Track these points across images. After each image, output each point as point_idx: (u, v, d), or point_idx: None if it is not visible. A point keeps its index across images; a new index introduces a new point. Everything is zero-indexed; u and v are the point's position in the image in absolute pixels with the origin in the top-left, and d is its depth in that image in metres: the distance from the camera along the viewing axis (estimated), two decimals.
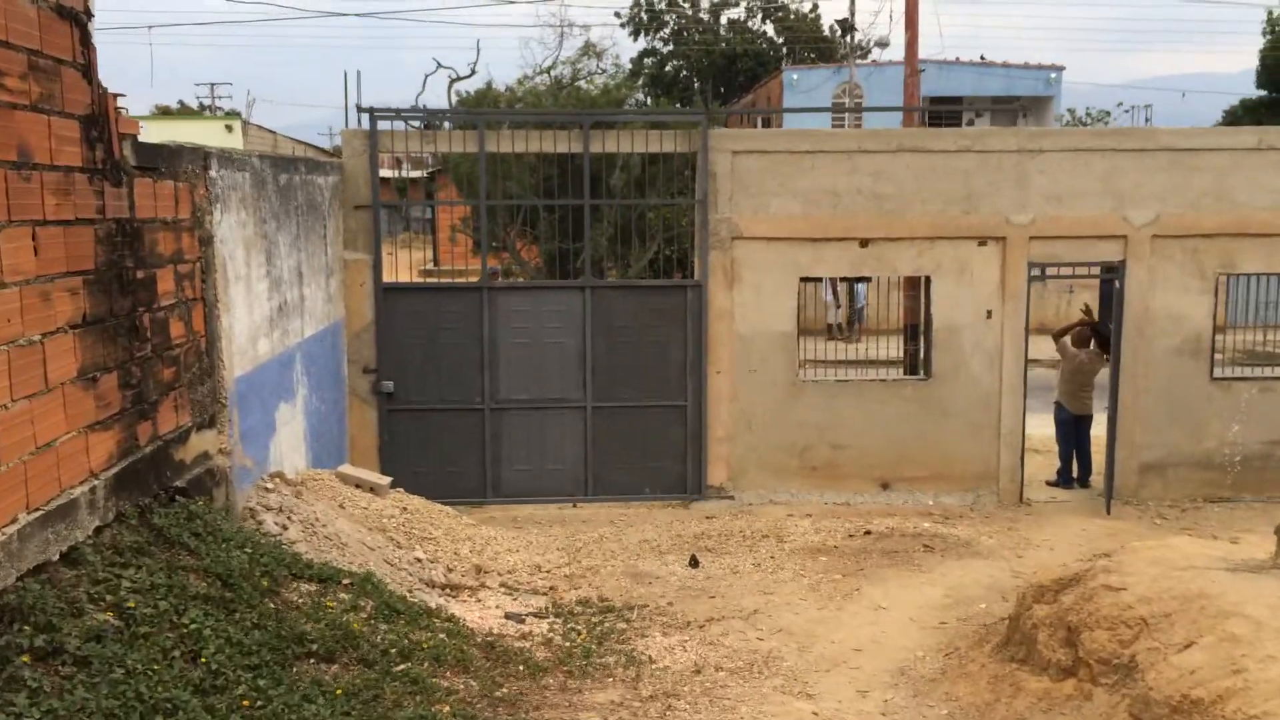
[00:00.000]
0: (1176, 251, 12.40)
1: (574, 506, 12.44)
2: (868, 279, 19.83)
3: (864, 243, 12.29)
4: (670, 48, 43.11)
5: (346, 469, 10.50)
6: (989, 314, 12.42)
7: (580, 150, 12.21)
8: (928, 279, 12.53)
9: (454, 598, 8.68)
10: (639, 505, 12.46)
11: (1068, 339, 13.18)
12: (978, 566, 10.00)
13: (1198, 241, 12.38)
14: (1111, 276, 12.49)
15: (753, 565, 10.11)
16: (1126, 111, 36.46)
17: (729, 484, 12.59)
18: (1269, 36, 46.91)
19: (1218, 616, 5.51)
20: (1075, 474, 13.34)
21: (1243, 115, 35.98)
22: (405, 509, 10.09)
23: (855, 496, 12.59)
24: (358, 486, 10.08)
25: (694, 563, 10.11)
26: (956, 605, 8.94)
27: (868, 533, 11.11)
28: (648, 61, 42.89)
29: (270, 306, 9.22)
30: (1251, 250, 12.41)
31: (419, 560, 9.08)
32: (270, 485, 8.68)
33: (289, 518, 8.26)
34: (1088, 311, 13.22)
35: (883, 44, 26.25)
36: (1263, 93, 44.91)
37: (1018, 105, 28.22)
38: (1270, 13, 47.24)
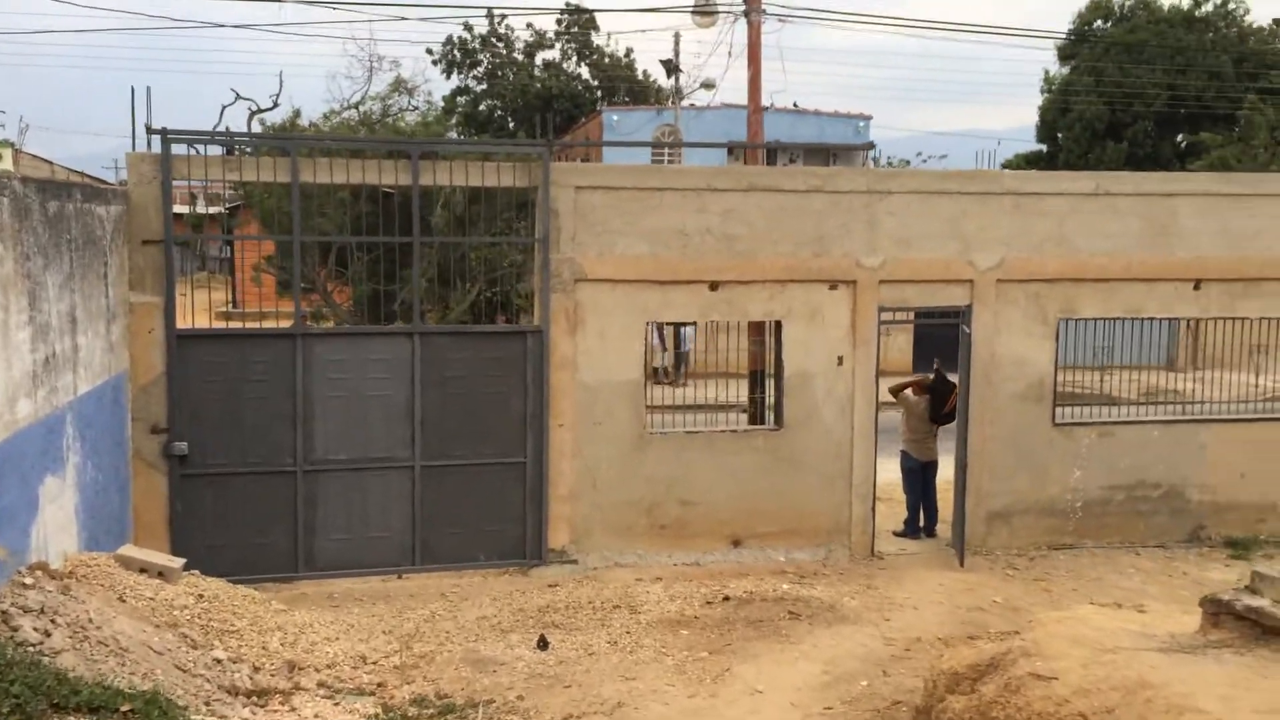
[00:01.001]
0: (1020, 296, 12.26)
1: (400, 578, 11.13)
2: (693, 322, 19.33)
3: (714, 285, 11.59)
4: (484, 86, 42.07)
5: (129, 550, 8.91)
6: (840, 360, 11.93)
7: (406, 182, 11.02)
8: (778, 324, 11.93)
9: (263, 707, 7.30)
10: (473, 574, 11.27)
11: (908, 391, 12.87)
12: (848, 634, 9.32)
13: (1040, 286, 12.28)
14: (958, 321, 12.23)
15: (608, 644, 9.11)
16: (924, 161, 37.80)
17: (572, 546, 11.56)
18: (1047, 94, 50.06)
19: (1168, 713, 4.91)
20: (922, 523, 12.99)
21: (1024, 166, 38.02)
22: (201, 596, 8.59)
23: (705, 556, 11.80)
24: (143, 571, 8.52)
25: (543, 644, 9.03)
26: (837, 683, 8.20)
27: (726, 598, 10.30)
28: (461, 100, 41.66)
29: (34, 360, 7.64)
30: (1090, 295, 12.41)
31: (219, 661, 7.64)
32: (29, 580, 7.09)
33: (52, 621, 6.71)
34: (937, 368, 12.94)
35: (709, 85, 26.04)
36: (1042, 146, 47.70)
37: (830, 149, 28.67)
38: (1048, 72, 50.46)
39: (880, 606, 10.17)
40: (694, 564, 11.67)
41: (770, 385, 12.87)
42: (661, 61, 27.19)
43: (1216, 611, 5.48)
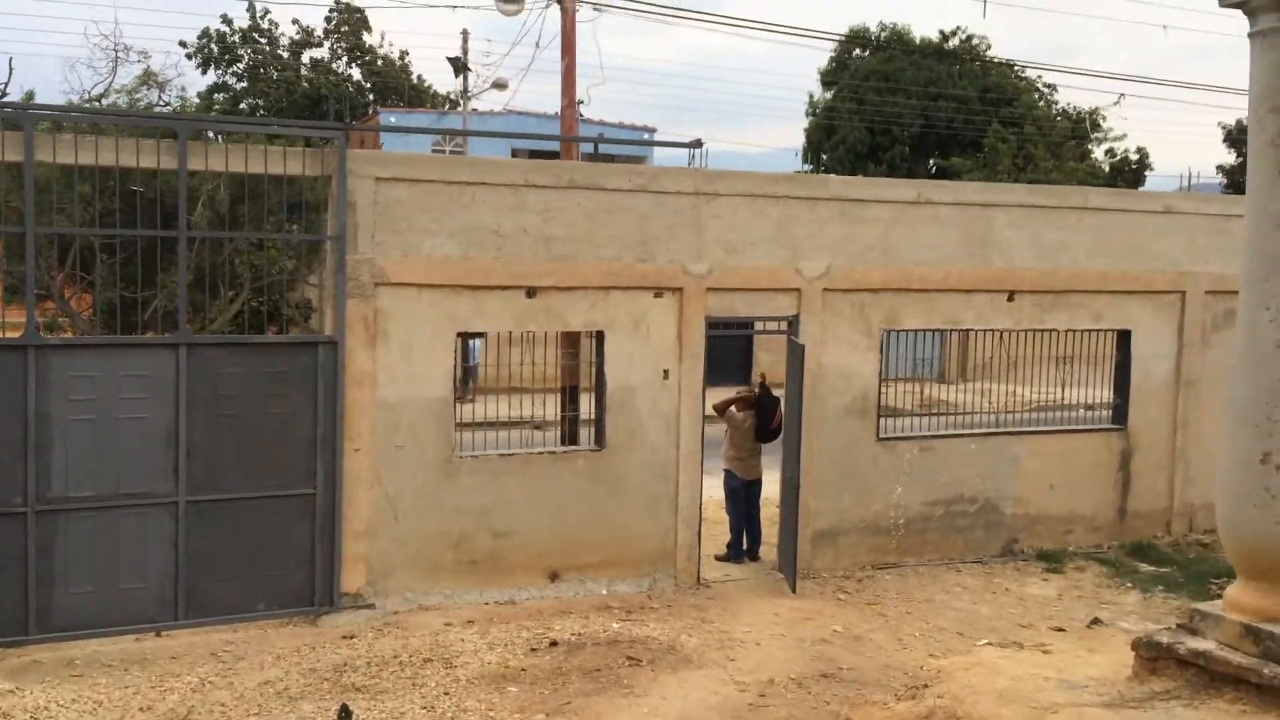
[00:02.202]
0: (846, 306, 11.78)
1: (159, 636, 9.36)
2: (483, 334, 18.06)
3: (531, 292, 10.45)
4: (245, 84, 39.02)
5: None
6: (666, 374, 11.05)
7: (170, 166, 9.30)
8: (599, 334, 10.91)
9: None
10: (251, 627, 9.63)
11: (733, 407, 12.15)
12: (696, 680, 8.38)
13: (865, 296, 11.85)
14: (788, 332, 11.61)
15: (424, 710, 7.77)
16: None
17: (369, 589, 10.11)
18: (812, 117, 51.83)
19: None
20: (745, 545, 12.28)
21: None
22: None
23: (520, 592, 10.61)
24: None
25: (345, 715, 7.59)
26: None
27: (554, 644, 9.16)
28: (219, 97, 38.48)
29: None
30: (912, 305, 12.09)
31: None
32: None
33: None
34: (762, 382, 12.29)
35: (500, 85, 24.71)
36: (809, 166, 49.27)
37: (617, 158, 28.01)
38: (812, 95, 52.25)
39: (721, 644, 9.30)
40: (509, 602, 10.46)
41: (584, 401, 11.85)
42: (449, 59, 25.69)
43: (1154, 656, 4.90)
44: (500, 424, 11.46)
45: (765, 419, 11.97)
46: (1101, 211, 12.84)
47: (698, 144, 11.36)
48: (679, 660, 8.77)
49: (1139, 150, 55.73)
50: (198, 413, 9.32)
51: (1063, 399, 13.66)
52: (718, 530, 12.48)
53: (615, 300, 10.78)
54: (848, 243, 11.68)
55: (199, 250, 13.68)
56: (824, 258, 11.57)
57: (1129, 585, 11.67)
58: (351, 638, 9.34)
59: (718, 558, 12.08)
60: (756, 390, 12.25)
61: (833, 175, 12.69)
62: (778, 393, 12.11)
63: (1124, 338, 13.25)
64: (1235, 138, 53.85)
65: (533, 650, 8.98)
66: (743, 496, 12.15)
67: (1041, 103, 53.16)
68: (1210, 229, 13.39)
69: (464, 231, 10.14)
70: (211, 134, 12.42)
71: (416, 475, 10.17)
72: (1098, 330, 13.20)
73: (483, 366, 21.74)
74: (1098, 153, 54.24)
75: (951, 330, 12.66)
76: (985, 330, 12.65)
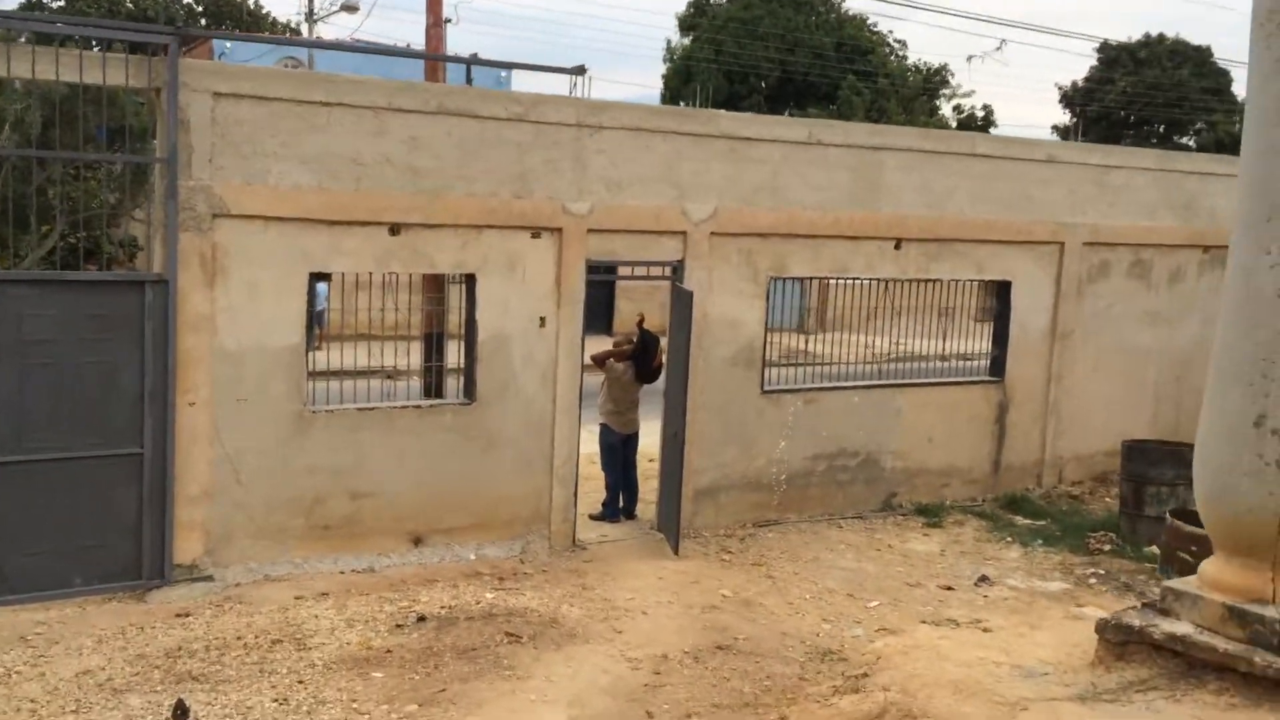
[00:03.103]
0: (733, 251, 11.12)
1: None
2: (327, 277, 16.71)
3: (395, 229, 9.39)
4: (60, 3, 35.59)
5: None
6: (542, 321, 10.18)
7: None
8: (470, 277, 9.93)
9: None
10: (68, 605, 8.42)
11: (612, 359, 11.38)
12: (583, 657, 7.65)
13: (753, 241, 11.21)
14: (673, 279, 10.88)
15: (276, 702, 6.81)
16: None
17: (207, 559, 8.99)
18: (670, 63, 51.10)
19: None
20: (622, 504, 11.60)
21: None
22: None
23: (380, 559, 9.66)
24: None
25: (181, 712, 6.57)
26: None
27: (422, 618, 8.28)
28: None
29: None
30: (800, 252, 11.53)
31: None
32: None
33: None
34: (641, 323, 11.52)
35: (351, 8, 22.84)
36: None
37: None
38: (670, 41, 51.51)
39: (606, 614, 8.59)
40: (367, 570, 9.51)
41: (451, 351, 10.88)
42: None
43: (1124, 640, 4.40)
44: (347, 373, 10.39)
45: (646, 359, 11.23)
46: (988, 159, 12.52)
47: (580, 70, 10.43)
48: (563, 635, 8.01)
49: (985, 107, 57.11)
50: (2, 361, 7.98)
51: (914, 350, 13.33)
52: (589, 488, 11.74)
53: (489, 240, 9.82)
54: (736, 184, 10.99)
55: (4, 177, 12.09)
56: (711, 199, 10.85)
57: (1009, 539, 11.51)
58: (187, 616, 8.25)
59: (592, 517, 11.37)
60: (637, 331, 11.46)
61: (722, 111, 11.92)
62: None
63: (1004, 289, 13.04)
64: (1070, 98, 55.97)
65: (398, 627, 8.08)
66: (620, 452, 11.44)
67: (893, 57, 53.81)
68: (1089, 179, 13.27)
69: (318, 158, 8.98)
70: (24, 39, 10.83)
71: (262, 432, 9.06)
72: (980, 280, 12.95)
73: (331, 312, 20.34)
74: (946, 109, 55.37)
75: (837, 279, 12.16)
76: (871, 279, 12.21)
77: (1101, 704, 4.34)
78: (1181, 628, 4.24)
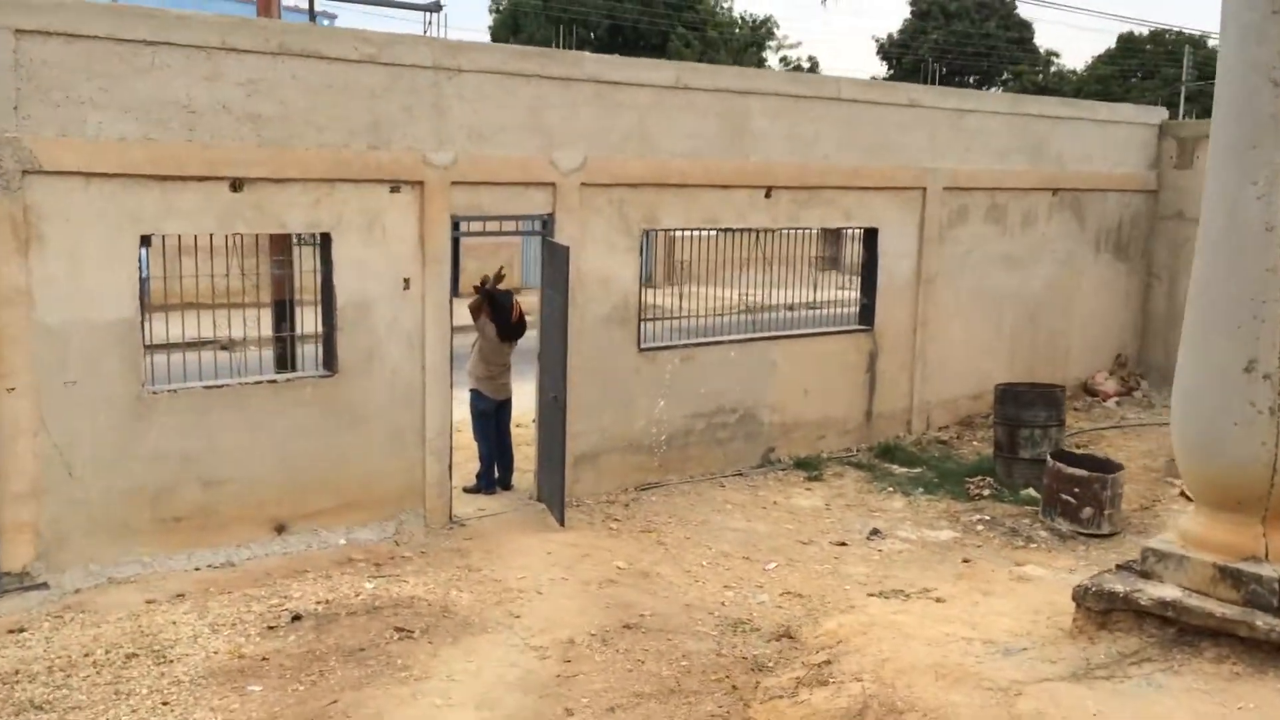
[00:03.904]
0: (604, 203, 10.54)
1: None
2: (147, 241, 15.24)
3: (237, 184, 8.40)
4: None
5: None
6: (407, 283, 9.38)
7: None
8: (325, 237, 9.03)
9: None
10: None
11: (484, 314, 10.68)
12: (483, 650, 7.03)
13: (624, 191, 10.66)
14: (543, 233, 10.23)
15: None
16: None
17: (39, 564, 7.92)
18: (496, 14, 49.80)
19: None
20: (497, 474, 10.96)
21: None
22: None
23: (240, 551, 8.76)
24: None
25: None
26: None
27: (297, 618, 7.49)
28: None
29: None
30: (672, 202, 11.05)
31: None
32: None
33: None
34: (484, 283, 10.76)
35: None
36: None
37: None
38: None
39: (500, 597, 7.99)
40: (226, 565, 8.61)
41: (300, 320, 9.95)
42: None
43: (1107, 608, 4.11)
44: (176, 346, 9.37)
45: (503, 316, 10.54)
46: (851, 103, 12.29)
47: (436, 7, 9.58)
48: (457, 625, 7.37)
49: (810, 59, 57.95)
50: None
51: (766, 301, 12.97)
52: (460, 458, 11.04)
53: (344, 195, 8.93)
54: (605, 131, 10.39)
55: None
56: (580, 148, 10.22)
57: (890, 489, 11.45)
58: (21, 632, 7.23)
59: (466, 490, 10.69)
60: (484, 287, 10.72)
61: (586, 53, 11.25)
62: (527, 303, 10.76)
63: (871, 236, 12.92)
64: (886, 50, 57.44)
65: (271, 629, 7.28)
66: (494, 419, 10.78)
67: (720, 8, 53.88)
68: (947, 124, 13.25)
69: (144, 106, 7.90)
70: None
71: (96, 418, 8.01)
72: (849, 228, 12.79)
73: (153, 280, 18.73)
74: (773, 60, 55.89)
75: (711, 230, 11.75)
76: (743, 229, 11.85)
77: (1098, 682, 4.03)
78: (1168, 591, 3.99)
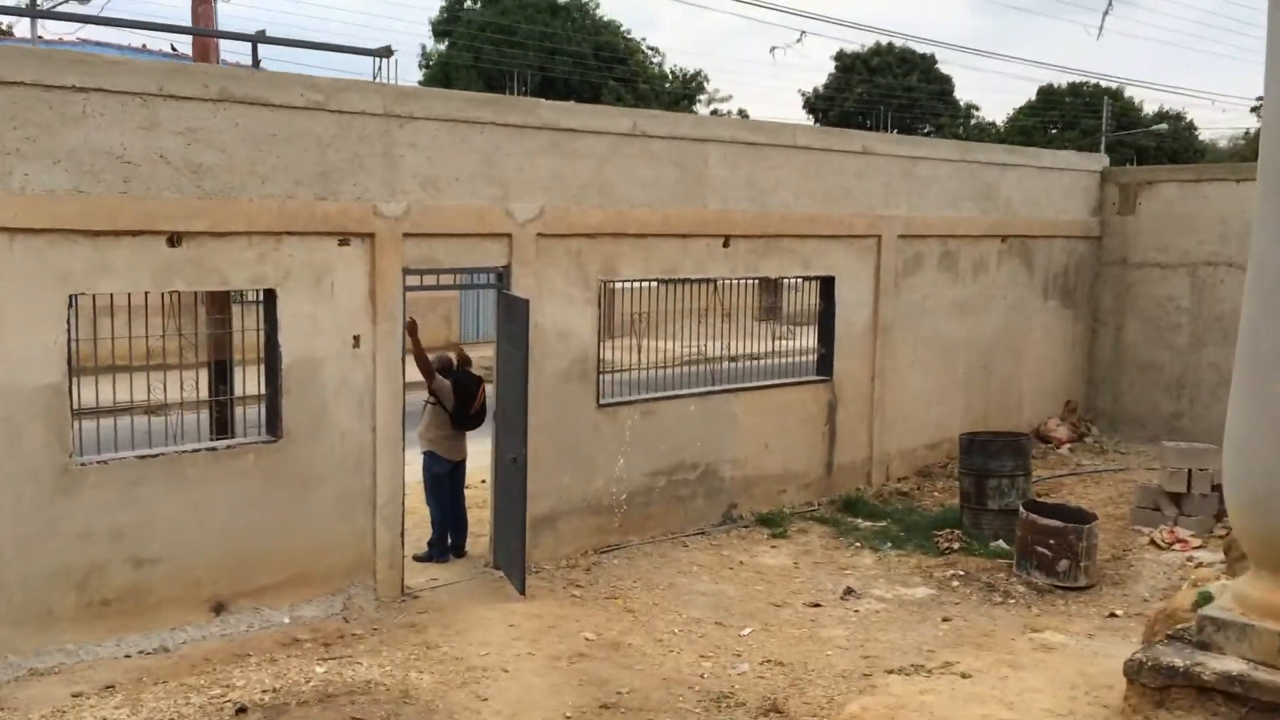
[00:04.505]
0: (561, 254, 10.16)
1: None
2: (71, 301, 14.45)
3: (175, 239, 7.85)
4: None
5: None
6: (357, 341, 8.87)
7: None
8: (269, 293, 8.50)
9: None
10: None
11: (439, 380, 10.17)
12: None
13: (582, 242, 10.29)
14: (499, 286, 9.79)
15: None
16: None
17: None
18: (426, 69, 49.56)
19: None
20: (450, 540, 10.41)
21: None
22: None
23: (175, 634, 8.09)
24: None
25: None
26: None
27: (241, 710, 6.86)
28: None
29: None
30: (631, 253, 10.71)
31: None
32: None
33: None
34: (454, 365, 10.31)
35: None
36: None
37: None
38: (425, 47, 50.10)
39: (463, 678, 7.42)
40: (160, 650, 7.93)
41: (242, 381, 9.34)
42: None
43: (1165, 684, 3.77)
44: (105, 411, 8.72)
45: (465, 401, 10.05)
46: (807, 150, 12.13)
47: (387, 52, 9.16)
48: (420, 713, 6.80)
49: (741, 111, 58.59)
50: None
51: (708, 352, 12.53)
52: (410, 523, 10.45)
53: (290, 249, 8.42)
54: (562, 180, 10.03)
55: None
56: (537, 197, 9.84)
57: (857, 545, 11.11)
58: None
59: (417, 558, 10.11)
60: (446, 363, 10.30)
61: (541, 100, 10.90)
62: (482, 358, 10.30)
63: (828, 284, 12.70)
64: (813, 103, 58.38)
65: None
66: (448, 483, 10.25)
67: (650, 63, 54.35)
68: (900, 171, 13.16)
69: (75, 156, 7.35)
70: None
71: (19, 493, 7.34)
72: (807, 277, 12.56)
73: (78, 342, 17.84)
74: (704, 113, 56.41)
75: (669, 280, 11.41)
76: (702, 280, 11.54)
77: None
78: (1232, 665, 3.67)
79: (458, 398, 10.01)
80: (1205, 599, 6.39)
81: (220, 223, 8.00)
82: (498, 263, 9.70)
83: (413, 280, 9.29)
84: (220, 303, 9.86)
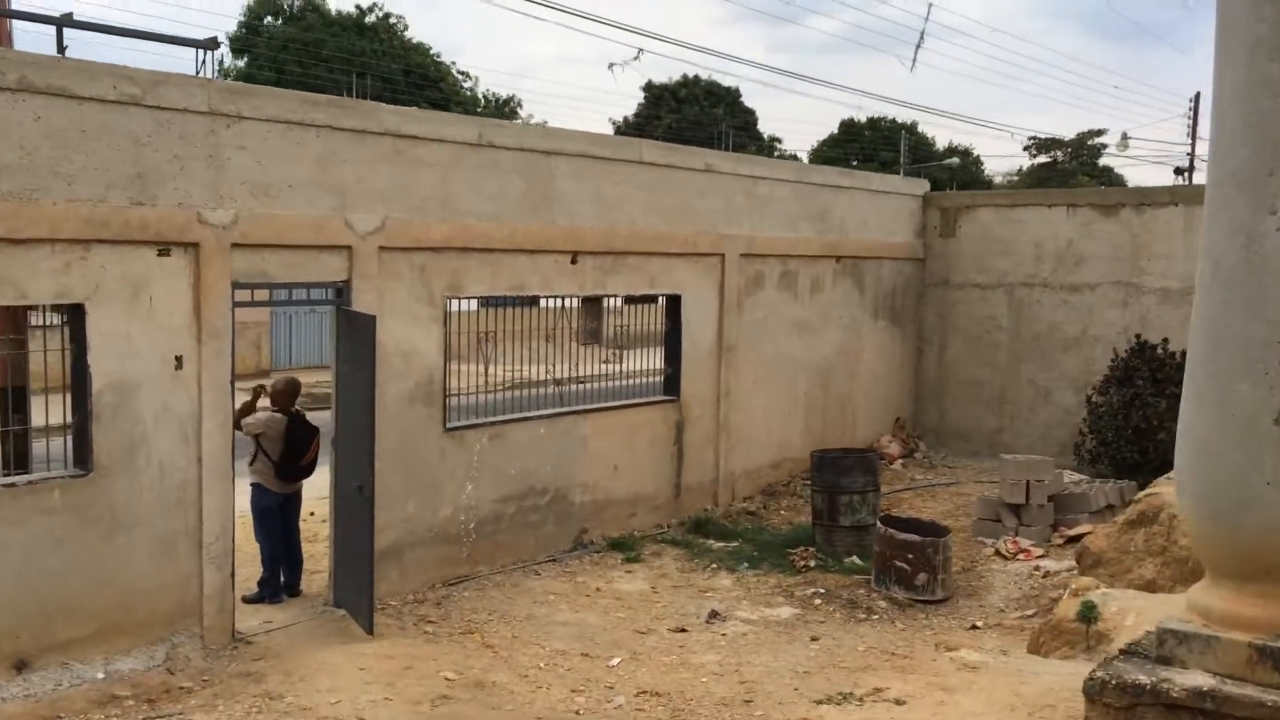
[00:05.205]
0: (405, 269, 9.55)
1: None
2: None
3: None
4: None
5: None
6: (179, 362, 8.00)
7: None
8: (75, 308, 7.54)
9: None
10: None
11: (261, 414, 9.28)
12: None
13: (426, 256, 9.71)
14: (338, 302, 9.08)
15: None
16: None
17: None
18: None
19: None
20: (284, 578, 9.56)
21: None
22: None
23: None
24: None
25: None
26: None
27: None
28: None
29: None
30: (477, 268, 10.19)
31: None
32: None
33: None
34: (279, 404, 9.45)
35: None
36: None
37: None
38: (222, 63, 47.87)
39: None
40: None
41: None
42: None
43: (1132, 702, 3.57)
44: None
45: (297, 449, 9.22)
46: (653, 167, 11.93)
47: (213, 44, 8.37)
48: None
49: None
50: None
51: (530, 377, 12.08)
52: (239, 559, 9.53)
53: (101, 259, 7.51)
54: (405, 191, 9.44)
55: None
56: (378, 208, 9.21)
57: (713, 566, 10.88)
58: None
59: (246, 600, 9.20)
60: (294, 389, 9.50)
61: (383, 104, 10.23)
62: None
63: (674, 303, 12.50)
64: (623, 132, 58.99)
65: None
66: (278, 517, 9.40)
67: (462, 88, 53.69)
68: (741, 190, 13.15)
69: None
70: None
71: None
72: (654, 295, 12.32)
73: None
74: None
75: (517, 297, 10.93)
76: (550, 296, 11.12)
77: None
78: (1200, 679, 3.48)
79: (287, 445, 9.14)
80: (1089, 608, 6.43)
81: (18, 228, 7.04)
82: (337, 277, 8.99)
83: (243, 295, 8.49)
84: (17, 320, 8.76)
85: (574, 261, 11.06)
